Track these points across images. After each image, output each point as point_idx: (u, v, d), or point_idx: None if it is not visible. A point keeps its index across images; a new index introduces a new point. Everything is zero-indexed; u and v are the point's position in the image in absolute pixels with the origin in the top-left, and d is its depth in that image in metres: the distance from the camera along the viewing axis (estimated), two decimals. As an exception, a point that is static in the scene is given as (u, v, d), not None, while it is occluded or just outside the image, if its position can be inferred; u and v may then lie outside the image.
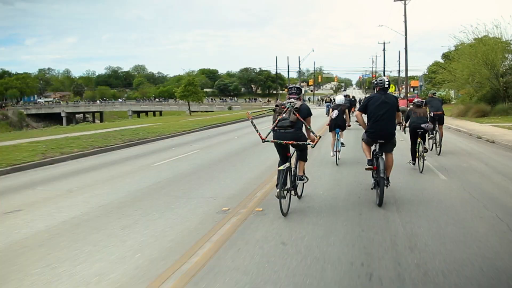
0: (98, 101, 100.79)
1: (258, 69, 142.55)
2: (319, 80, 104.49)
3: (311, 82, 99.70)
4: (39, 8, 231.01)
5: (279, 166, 7.03)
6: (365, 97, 10.14)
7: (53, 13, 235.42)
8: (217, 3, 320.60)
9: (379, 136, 7.72)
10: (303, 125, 7.24)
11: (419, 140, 10.91)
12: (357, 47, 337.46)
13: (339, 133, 12.52)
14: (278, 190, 6.65)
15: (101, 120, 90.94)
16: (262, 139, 7.22)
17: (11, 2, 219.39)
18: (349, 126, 13.24)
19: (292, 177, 7.39)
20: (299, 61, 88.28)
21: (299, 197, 8.04)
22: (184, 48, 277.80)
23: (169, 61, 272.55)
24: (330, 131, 12.75)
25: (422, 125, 10.85)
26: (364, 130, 8.11)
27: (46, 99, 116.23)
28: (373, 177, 7.90)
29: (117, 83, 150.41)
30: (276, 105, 7.36)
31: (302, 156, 7.62)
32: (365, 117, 8.16)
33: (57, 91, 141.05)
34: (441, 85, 59.54)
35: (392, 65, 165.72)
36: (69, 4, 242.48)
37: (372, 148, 8.02)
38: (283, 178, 6.82)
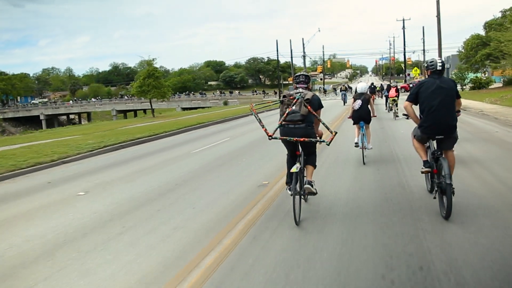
0: (86, 101, 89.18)
1: (266, 59, 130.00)
2: (328, 66, 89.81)
3: (319, 69, 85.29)
4: (49, 9, 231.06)
5: (288, 166, 6.28)
6: (416, 83, 7.45)
7: (64, 13, 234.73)
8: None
9: (437, 130, 6.09)
10: (314, 119, 6.19)
11: None
12: (371, 34, 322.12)
13: (364, 126, 10.37)
14: (290, 192, 5.93)
15: (89, 121, 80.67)
16: (269, 136, 6.15)
17: (21, 4, 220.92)
18: (375, 116, 11.01)
19: (301, 178, 6.25)
20: (303, 44, 66.26)
21: (306, 200, 6.84)
22: (196, 42, 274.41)
23: (181, 56, 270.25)
24: (353, 124, 10.67)
25: None
26: (417, 125, 6.46)
27: (42, 100, 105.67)
28: (432, 182, 6.57)
29: (118, 79, 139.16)
30: (284, 96, 6.27)
31: (311, 159, 6.48)
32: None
33: (58, 91, 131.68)
34: (483, 63, 44.95)
35: (413, 46, 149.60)
36: (79, 3, 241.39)
37: (426, 145, 6.51)
38: (296, 178, 5.97)
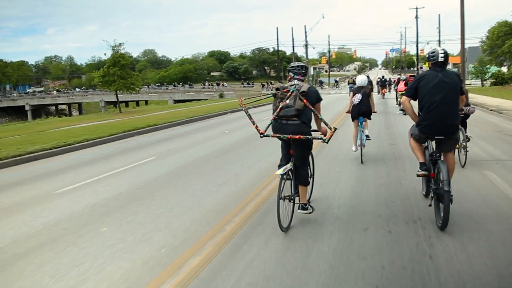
0: (72, 91, 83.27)
1: (272, 50, 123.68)
2: (334, 57, 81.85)
3: (323, 60, 77.38)
4: None
5: (279, 168, 5.43)
6: (415, 77, 6.53)
7: (72, 1, 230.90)
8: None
9: (437, 130, 5.45)
10: (312, 114, 5.42)
11: (459, 126, 7.20)
12: (382, 27, 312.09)
13: (363, 122, 9.64)
14: (278, 170, 5.30)
15: (80, 113, 75.41)
16: (260, 133, 5.51)
17: None
18: (375, 112, 10.28)
19: (294, 180, 5.62)
20: (305, 32, 60.23)
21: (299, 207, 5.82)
22: (205, 33, 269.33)
23: (188, 47, 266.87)
24: (352, 121, 9.88)
25: (464, 108, 8.11)
26: (415, 123, 5.78)
27: (36, 89, 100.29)
28: (428, 186, 5.97)
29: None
30: (277, 89, 5.49)
31: (302, 174, 5.54)
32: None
33: (58, 80, 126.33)
34: (511, 54, 38.22)
35: (427, 37, 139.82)
36: None
37: (424, 145, 5.89)
38: (282, 182, 5.23)
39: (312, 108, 5.28)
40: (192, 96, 63.94)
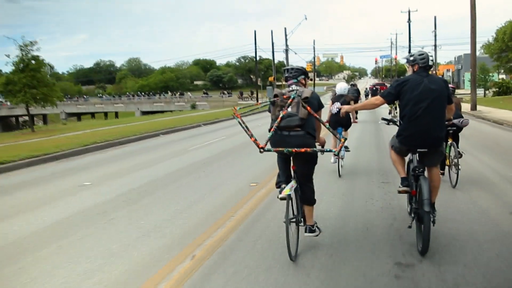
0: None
1: (259, 58, 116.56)
2: (317, 63, 73.76)
3: (308, 67, 69.89)
4: (46, 5, 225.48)
5: (279, 189, 4.73)
6: (395, 80, 5.44)
7: (62, 9, 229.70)
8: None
9: (419, 142, 4.87)
10: (315, 123, 4.76)
11: (450, 141, 7.65)
12: (372, 36, 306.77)
13: (342, 133, 9.16)
14: (279, 193, 4.58)
15: (45, 123, 67.44)
16: (260, 148, 4.55)
17: (17, 0, 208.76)
18: (356, 122, 10.55)
19: (299, 200, 4.90)
20: (286, 35, 53.60)
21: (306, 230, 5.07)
22: (196, 41, 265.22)
23: (179, 55, 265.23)
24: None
25: (455, 121, 7.42)
26: (395, 133, 5.22)
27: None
28: (410, 205, 5.24)
29: (99, 77, 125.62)
30: (275, 95, 4.72)
31: (307, 194, 4.88)
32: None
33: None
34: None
35: (420, 41, 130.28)
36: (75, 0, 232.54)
37: (407, 159, 5.37)
38: (289, 202, 4.55)
39: (317, 116, 4.59)
40: (161, 107, 56.80)
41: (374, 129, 17.44)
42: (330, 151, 4.70)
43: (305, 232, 4.81)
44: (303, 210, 4.88)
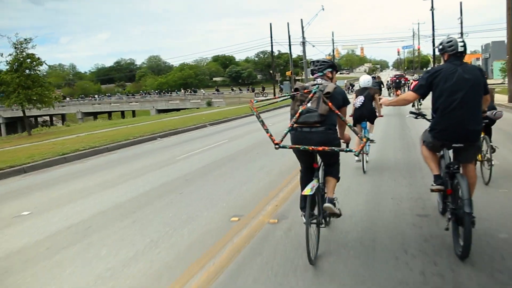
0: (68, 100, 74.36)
1: (277, 52, 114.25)
2: (336, 55, 69.69)
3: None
4: (69, 6, 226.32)
5: (302, 184, 4.49)
6: (426, 71, 5.59)
7: (83, 9, 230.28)
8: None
9: (454, 136, 4.46)
10: (337, 119, 4.38)
11: (482, 134, 6.63)
12: (393, 27, 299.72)
13: (367, 126, 8.62)
14: (304, 218, 4.19)
15: (63, 123, 66.61)
16: (276, 144, 4.22)
17: (41, 2, 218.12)
18: (381, 116, 9.44)
19: (321, 200, 4.55)
20: (302, 27, 48.96)
21: (327, 223, 4.86)
22: (215, 37, 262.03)
23: (198, 52, 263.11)
24: (354, 125, 8.17)
25: (488, 113, 6.56)
26: (428, 127, 4.80)
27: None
28: (442, 204, 5.03)
29: (120, 76, 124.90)
30: (296, 89, 4.44)
31: (333, 170, 4.69)
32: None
33: (59, 89, 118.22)
34: None
35: (443, 29, 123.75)
36: (97, 0, 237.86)
37: (439, 153, 4.91)
38: (311, 203, 4.19)
39: (339, 112, 4.22)
40: (177, 105, 54.99)
41: (398, 123, 16.26)
42: (350, 151, 4.25)
43: (325, 203, 4.47)
44: (326, 188, 4.60)
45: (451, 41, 4.48)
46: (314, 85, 4.32)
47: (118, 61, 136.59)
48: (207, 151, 12.57)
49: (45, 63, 23.64)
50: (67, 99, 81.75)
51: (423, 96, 4.72)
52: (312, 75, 4.58)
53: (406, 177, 7.51)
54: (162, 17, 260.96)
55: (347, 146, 4.62)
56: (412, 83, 22.17)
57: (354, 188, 6.89)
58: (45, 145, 15.94)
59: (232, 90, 77.19)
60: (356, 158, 8.03)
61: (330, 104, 4.14)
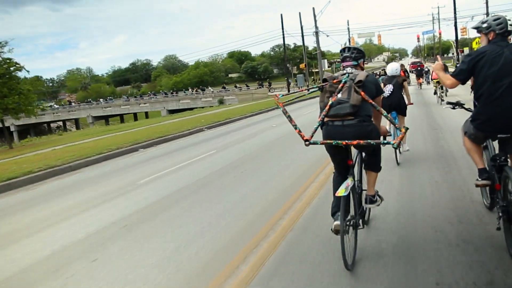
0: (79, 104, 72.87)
1: (293, 45, 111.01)
2: (352, 44, 66.28)
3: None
4: (86, 11, 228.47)
5: (335, 186, 4.01)
6: (467, 54, 4.44)
7: (101, 14, 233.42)
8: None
9: (501, 126, 3.97)
10: (372, 109, 3.93)
11: None
12: (411, 13, 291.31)
13: (398, 118, 8.08)
14: (336, 222, 3.73)
15: (77, 128, 65.60)
16: (305, 140, 3.82)
17: (59, 8, 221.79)
18: (411, 104, 9.01)
19: (357, 199, 4.17)
20: (314, 16, 45.15)
21: (366, 223, 4.56)
22: (232, 34, 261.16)
23: (215, 49, 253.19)
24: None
25: None
26: (470, 116, 4.31)
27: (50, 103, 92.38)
28: (492, 198, 4.44)
29: (136, 77, 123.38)
30: (324, 80, 4.06)
31: (373, 163, 4.26)
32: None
33: (76, 92, 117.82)
34: None
35: (465, 12, 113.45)
36: (114, 4, 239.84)
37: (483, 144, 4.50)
38: (345, 204, 3.76)
39: (373, 102, 3.75)
40: (188, 104, 52.35)
41: (423, 112, 15.11)
42: (388, 143, 3.67)
43: (365, 203, 4.23)
44: (366, 182, 4.25)
45: (499, 18, 4.01)
46: (344, 74, 3.96)
47: (133, 62, 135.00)
48: (180, 170, 9.84)
49: (25, 69, 21.45)
50: (72, 103, 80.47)
51: (463, 82, 4.11)
52: (343, 62, 4.15)
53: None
54: (180, 16, 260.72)
55: (384, 139, 4.05)
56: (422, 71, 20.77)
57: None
58: (4, 164, 13.48)
59: (247, 86, 74.42)
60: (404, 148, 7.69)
61: (362, 93, 3.74)
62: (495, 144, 4.26)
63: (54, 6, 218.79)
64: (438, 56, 4.89)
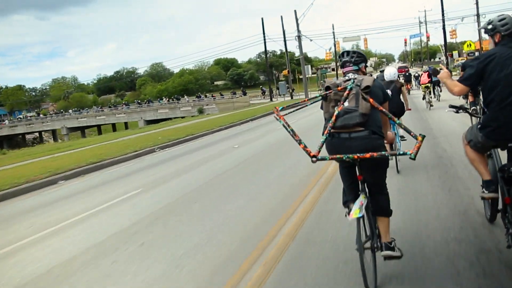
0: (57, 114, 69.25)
1: (279, 52, 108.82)
2: (338, 50, 62.15)
3: (327, 56, 60.06)
4: (75, 20, 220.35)
5: (348, 208, 3.67)
6: (474, 58, 4.22)
7: (90, 22, 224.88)
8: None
9: (510, 134, 3.67)
10: (381, 118, 3.64)
11: None
12: (397, 17, 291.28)
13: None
14: (349, 217, 3.50)
15: (55, 139, 62.46)
16: (312, 156, 3.35)
17: (47, 17, 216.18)
18: (409, 109, 9.17)
19: (372, 218, 3.75)
20: (296, 19, 42.57)
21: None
22: (219, 41, 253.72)
23: (202, 56, 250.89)
24: None
25: None
26: (478, 123, 4.01)
27: (25, 114, 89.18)
28: (494, 210, 4.22)
29: (121, 85, 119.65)
30: (327, 87, 3.66)
31: (381, 203, 3.75)
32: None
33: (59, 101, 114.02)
34: None
35: (454, 13, 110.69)
36: (103, 12, 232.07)
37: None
38: (363, 225, 3.64)
39: (383, 109, 3.48)
40: (166, 114, 49.31)
41: (415, 117, 15.12)
42: (405, 154, 3.30)
43: (382, 250, 3.59)
44: (379, 228, 3.69)
45: (504, 18, 3.70)
46: (347, 80, 3.61)
47: (118, 71, 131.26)
48: (82, 222, 6.90)
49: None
50: (40, 115, 76.95)
51: (471, 87, 3.85)
52: (343, 67, 3.81)
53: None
54: (168, 24, 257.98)
55: (391, 148, 3.61)
56: (422, 75, 20.83)
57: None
58: None
59: (233, 93, 71.49)
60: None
61: (371, 100, 3.41)
62: (502, 153, 3.96)
63: (41, 15, 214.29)
64: (442, 65, 3.31)
